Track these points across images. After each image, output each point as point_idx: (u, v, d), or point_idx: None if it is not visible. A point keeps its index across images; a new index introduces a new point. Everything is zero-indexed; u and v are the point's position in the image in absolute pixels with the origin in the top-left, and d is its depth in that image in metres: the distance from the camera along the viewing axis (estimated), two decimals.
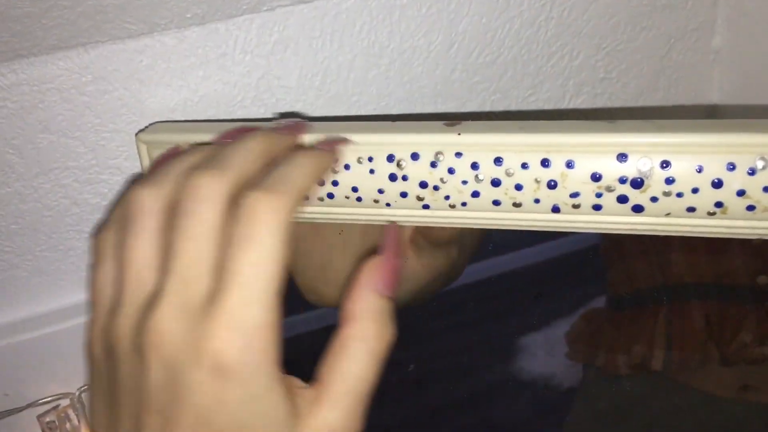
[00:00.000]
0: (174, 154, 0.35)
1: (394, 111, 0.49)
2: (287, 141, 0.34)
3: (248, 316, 0.27)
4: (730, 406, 0.71)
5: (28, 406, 0.45)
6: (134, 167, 0.44)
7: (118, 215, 0.31)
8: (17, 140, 0.41)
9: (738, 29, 0.53)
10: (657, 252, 0.74)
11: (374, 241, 0.41)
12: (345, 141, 0.35)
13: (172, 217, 0.29)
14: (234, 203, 0.29)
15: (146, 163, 0.40)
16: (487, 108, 0.51)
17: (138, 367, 0.28)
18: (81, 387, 0.46)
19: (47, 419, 0.45)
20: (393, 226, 0.34)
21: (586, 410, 0.89)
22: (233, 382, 0.27)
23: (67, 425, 0.45)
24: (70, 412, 0.45)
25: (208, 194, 0.29)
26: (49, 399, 0.45)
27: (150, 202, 0.30)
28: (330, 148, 0.34)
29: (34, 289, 0.46)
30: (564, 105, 0.53)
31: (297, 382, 0.29)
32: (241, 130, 0.35)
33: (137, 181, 0.31)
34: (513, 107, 0.52)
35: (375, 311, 0.30)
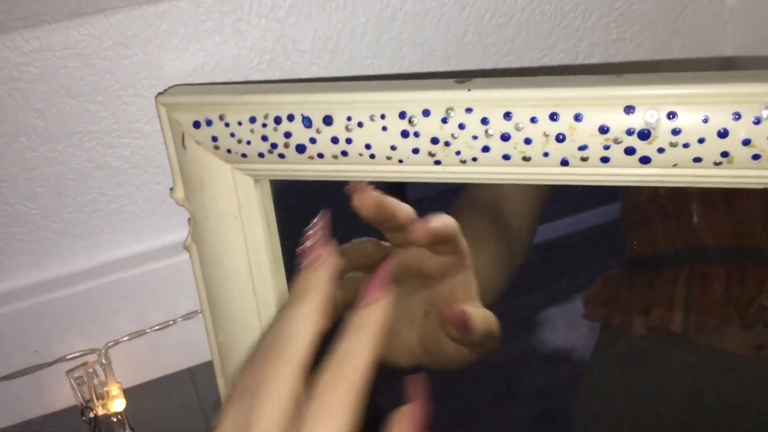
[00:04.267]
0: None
1: (408, 73, 0.49)
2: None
3: None
4: (745, 364, 0.71)
5: (57, 361, 0.47)
6: (154, 130, 0.45)
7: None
8: (41, 105, 0.42)
9: None
10: (677, 215, 0.74)
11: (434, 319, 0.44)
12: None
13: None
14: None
15: (166, 124, 0.41)
16: (500, 69, 0.51)
17: None
18: (108, 343, 0.48)
19: (76, 374, 0.47)
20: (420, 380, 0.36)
21: (599, 367, 0.89)
22: None
23: (95, 380, 0.47)
24: (98, 367, 0.47)
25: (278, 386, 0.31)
26: (77, 355, 0.47)
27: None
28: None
29: (60, 249, 0.47)
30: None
31: None
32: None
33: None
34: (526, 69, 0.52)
35: None
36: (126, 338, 0.48)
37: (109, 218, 0.47)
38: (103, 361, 0.47)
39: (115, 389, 0.47)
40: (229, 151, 0.40)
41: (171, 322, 0.49)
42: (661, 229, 0.75)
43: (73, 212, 0.46)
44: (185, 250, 0.46)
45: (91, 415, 0.47)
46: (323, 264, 0.35)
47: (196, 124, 0.40)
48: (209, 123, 0.40)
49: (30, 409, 0.48)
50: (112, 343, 0.48)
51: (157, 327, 0.49)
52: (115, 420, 0.48)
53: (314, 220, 0.36)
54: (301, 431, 0.30)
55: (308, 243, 0.35)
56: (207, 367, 0.52)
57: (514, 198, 0.62)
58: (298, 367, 0.32)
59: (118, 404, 0.48)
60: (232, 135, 0.40)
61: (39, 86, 0.42)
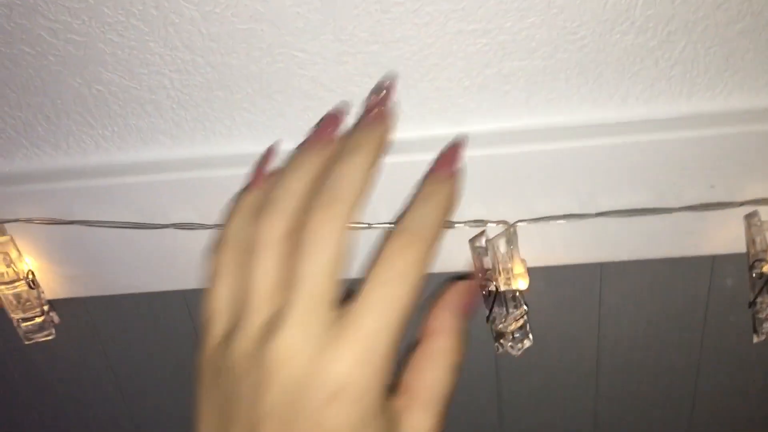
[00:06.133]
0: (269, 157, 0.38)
1: None
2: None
3: (379, 345, 0.29)
4: None
5: (460, 224, 0.46)
6: None
7: (235, 235, 0.34)
8: None
9: None
10: None
11: None
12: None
13: (296, 243, 0.31)
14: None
15: None
16: None
17: (258, 384, 0.30)
18: (518, 220, 0.47)
19: (478, 243, 0.46)
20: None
21: None
22: (351, 408, 0.29)
23: (500, 253, 0.46)
24: (502, 240, 0.47)
25: (332, 227, 0.31)
26: (481, 221, 0.47)
27: (274, 230, 0.32)
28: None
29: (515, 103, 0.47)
30: None
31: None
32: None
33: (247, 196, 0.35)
34: None
35: (456, 329, 0.34)
36: (533, 219, 0.47)
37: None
38: (511, 235, 0.47)
39: (519, 267, 0.47)
40: None
41: (582, 215, 0.47)
42: None
43: (600, 61, 0.45)
44: None
45: (491, 288, 0.47)
46: (383, 121, 0.35)
47: None
48: None
49: None
50: (521, 220, 0.47)
51: (566, 216, 0.47)
52: (513, 297, 0.48)
53: (384, 83, 0.37)
54: (363, 291, 0.30)
55: (373, 100, 0.36)
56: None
57: None
58: (352, 217, 0.31)
59: (519, 283, 0.47)
60: None
61: None
